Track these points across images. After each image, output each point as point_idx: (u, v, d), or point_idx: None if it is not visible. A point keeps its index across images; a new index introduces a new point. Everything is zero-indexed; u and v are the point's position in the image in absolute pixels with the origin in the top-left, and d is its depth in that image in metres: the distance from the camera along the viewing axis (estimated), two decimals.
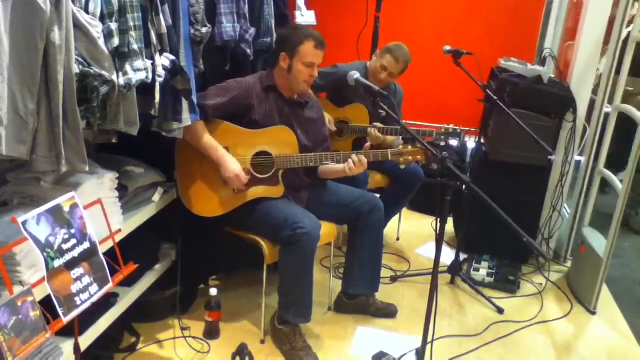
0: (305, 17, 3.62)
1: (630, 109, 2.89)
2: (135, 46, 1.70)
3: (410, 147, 2.34)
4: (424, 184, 3.20)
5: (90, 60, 1.57)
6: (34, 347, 1.29)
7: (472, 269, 3.21)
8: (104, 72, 1.58)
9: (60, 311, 1.37)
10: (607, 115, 3.15)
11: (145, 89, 1.78)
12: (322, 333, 2.58)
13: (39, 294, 1.36)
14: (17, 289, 1.34)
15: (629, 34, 2.97)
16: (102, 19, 1.60)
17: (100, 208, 1.60)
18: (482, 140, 3.34)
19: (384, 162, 2.46)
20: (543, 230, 3.37)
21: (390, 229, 3.50)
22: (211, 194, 2.39)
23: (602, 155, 3.09)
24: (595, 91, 3.27)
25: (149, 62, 1.76)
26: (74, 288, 1.42)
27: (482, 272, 3.18)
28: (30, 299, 1.29)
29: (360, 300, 2.73)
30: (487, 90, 2.85)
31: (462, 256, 3.24)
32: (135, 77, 1.69)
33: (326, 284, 2.88)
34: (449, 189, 1.88)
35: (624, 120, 2.95)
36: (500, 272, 3.19)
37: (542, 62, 3.48)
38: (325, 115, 2.81)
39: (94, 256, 1.51)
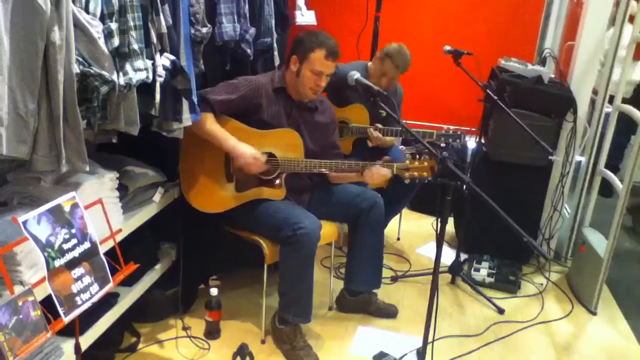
0: (305, 16, 3.62)
1: (630, 109, 2.89)
2: (135, 46, 1.70)
3: (417, 163, 2.34)
4: (424, 183, 3.19)
5: (91, 60, 1.57)
6: (35, 347, 1.29)
7: (472, 269, 3.21)
8: (104, 72, 1.58)
9: (60, 311, 1.37)
10: (607, 115, 3.15)
11: (145, 88, 1.78)
12: (323, 333, 2.58)
13: (40, 293, 1.36)
14: (18, 289, 1.34)
15: None
16: (103, 18, 1.60)
17: (101, 208, 1.60)
18: (483, 140, 3.34)
19: None
20: (543, 230, 3.37)
21: (391, 229, 3.49)
22: (213, 191, 2.39)
23: (602, 155, 3.09)
24: (595, 91, 3.27)
25: (149, 62, 1.76)
26: (75, 288, 1.42)
27: (482, 272, 3.18)
28: (31, 298, 1.29)
29: (362, 297, 2.73)
30: (488, 90, 2.85)
31: (463, 256, 3.25)
32: (136, 76, 1.69)
33: (327, 283, 2.88)
34: (449, 189, 1.89)
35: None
36: (501, 272, 3.19)
37: (543, 62, 3.48)
38: None
39: (95, 256, 1.51)
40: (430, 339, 2.03)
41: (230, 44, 2.46)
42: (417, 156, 2.35)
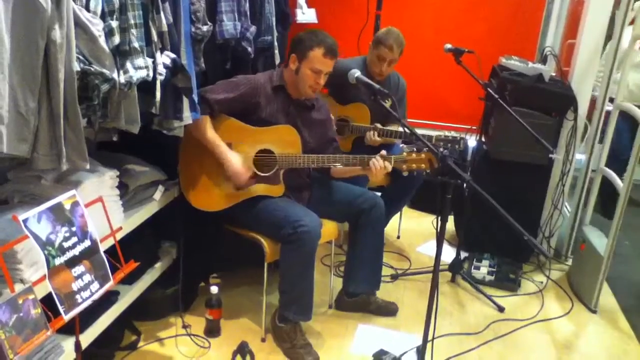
0: (306, 15, 3.62)
1: (631, 107, 2.89)
2: (136, 44, 1.70)
3: (414, 155, 2.33)
4: (424, 182, 3.20)
5: (91, 58, 1.57)
6: (35, 345, 1.29)
7: (472, 267, 3.21)
8: (104, 70, 1.58)
9: (61, 309, 1.37)
10: (608, 113, 3.15)
11: (146, 87, 1.78)
12: (323, 331, 2.58)
13: (40, 291, 1.36)
14: (18, 287, 1.34)
15: None
16: (103, 16, 1.60)
17: (101, 206, 1.60)
18: (483, 139, 3.34)
19: None
20: (544, 228, 3.37)
21: (391, 227, 3.50)
22: (212, 189, 2.40)
23: (603, 154, 3.09)
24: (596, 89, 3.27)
25: (149, 60, 1.76)
26: (75, 286, 1.43)
27: (482, 270, 3.18)
28: (31, 296, 1.30)
29: (360, 298, 2.73)
30: (488, 89, 2.85)
31: (463, 254, 3.25)
32: (136, 75, 1.69)
33: (327, 282, 2.88)
34: (449, 187, 1.89)
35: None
36: (501, 271, 3.19)
37: (543, 61, 3.47)
38: None
39: (95, 254, 1.51)
40: (430, 337, 2.03)
41: (231, 42, 2.46)
42: (416, 150, 2.34)
